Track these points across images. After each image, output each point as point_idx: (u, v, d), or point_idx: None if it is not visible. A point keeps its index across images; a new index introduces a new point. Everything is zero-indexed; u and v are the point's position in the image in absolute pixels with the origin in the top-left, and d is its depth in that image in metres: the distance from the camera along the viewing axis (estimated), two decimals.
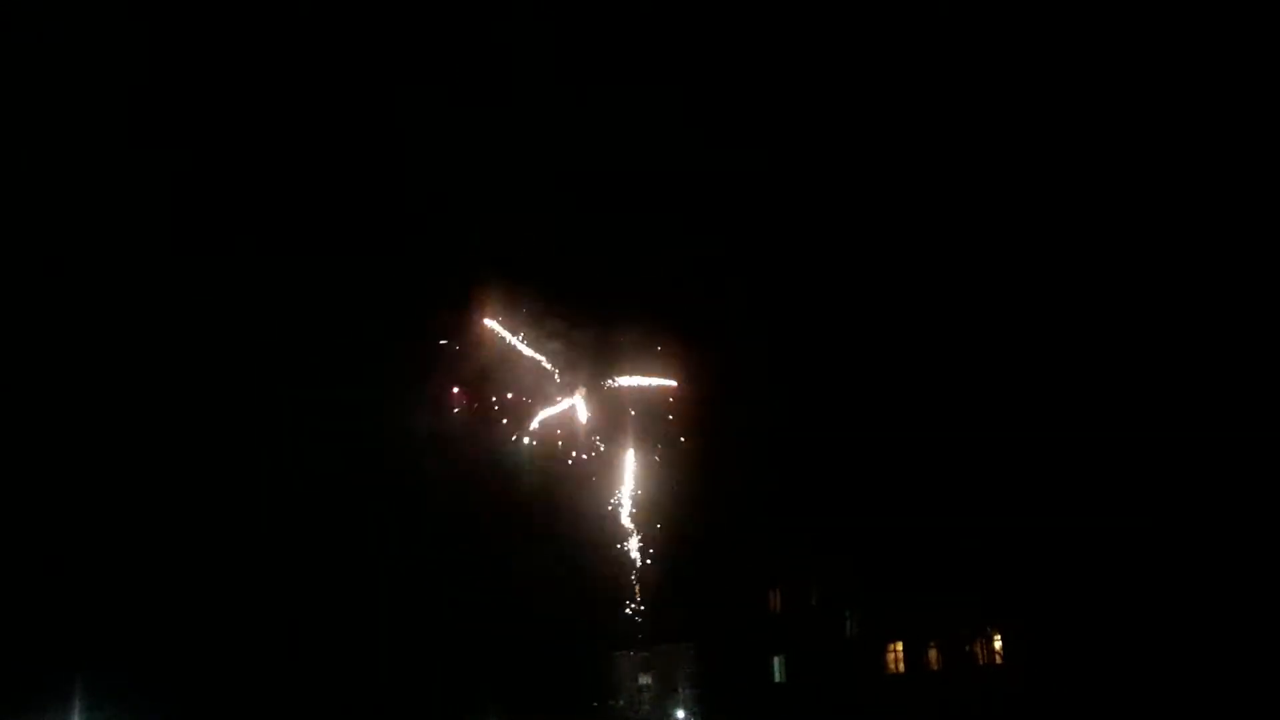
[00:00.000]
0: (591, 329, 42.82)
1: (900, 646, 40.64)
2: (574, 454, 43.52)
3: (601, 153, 42.19)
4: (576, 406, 43.39)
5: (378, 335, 45.03)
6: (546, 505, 42.96)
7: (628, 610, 43.85)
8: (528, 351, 42.88)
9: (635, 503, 44.00)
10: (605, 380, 43.07)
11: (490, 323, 42.27)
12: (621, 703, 46.98)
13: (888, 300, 40.35)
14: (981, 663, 38.56)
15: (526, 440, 43.13)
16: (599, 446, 43.79)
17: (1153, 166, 33.79)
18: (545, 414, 43.38)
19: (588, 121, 41.99)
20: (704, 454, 43.50)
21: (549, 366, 43.16)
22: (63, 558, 42.35)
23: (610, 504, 43.72)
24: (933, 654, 39.84)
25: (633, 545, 43.32)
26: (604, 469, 44.24)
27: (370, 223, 45.68)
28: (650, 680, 47.34)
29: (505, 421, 43.31)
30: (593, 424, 43.70)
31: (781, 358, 42.54)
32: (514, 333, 42.53)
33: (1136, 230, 34.44)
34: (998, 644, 38.21)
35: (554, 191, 42.57)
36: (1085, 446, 34.77)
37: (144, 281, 44.51)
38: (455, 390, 43.23)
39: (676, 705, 45.42)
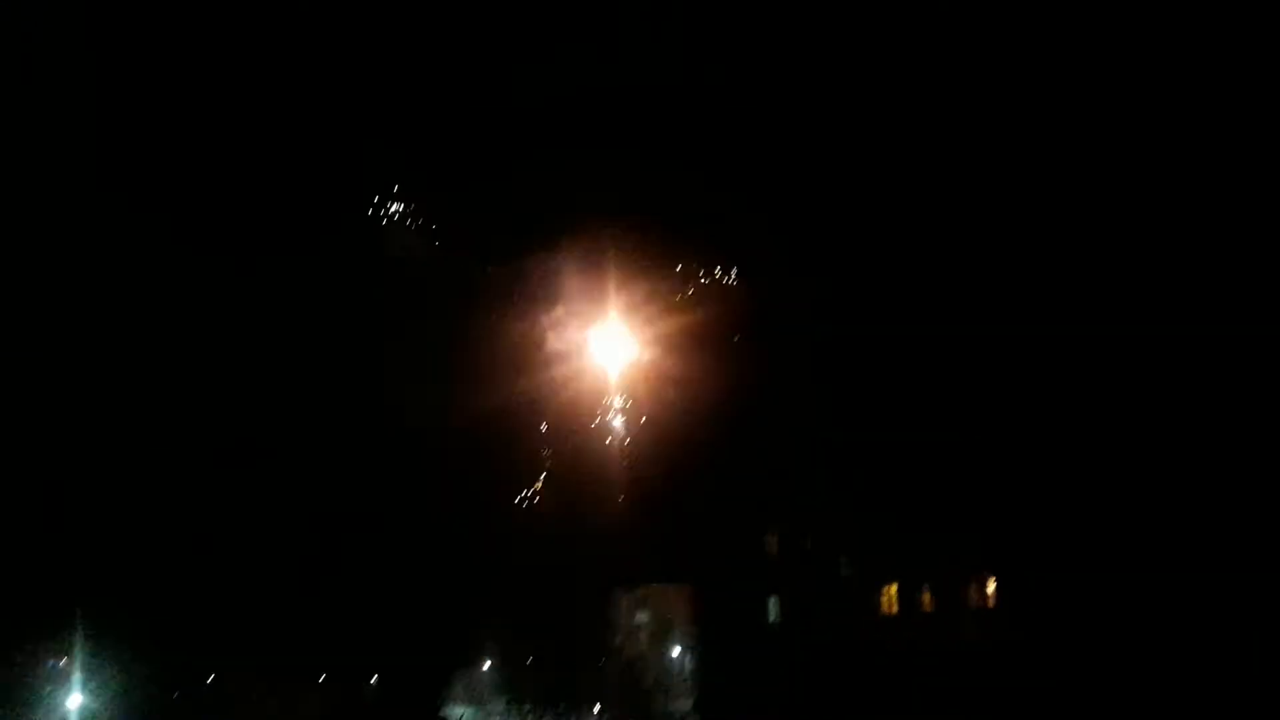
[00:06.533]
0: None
1: (894, 589, 40.42)
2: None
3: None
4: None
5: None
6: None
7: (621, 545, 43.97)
8: None
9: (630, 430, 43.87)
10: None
11: None
12: (618, 640, 47.30)
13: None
14: (974, 606, 38.22)
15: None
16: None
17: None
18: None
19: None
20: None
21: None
22: (63, 484, 43.04)
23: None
24: (926, 596, 39.55)
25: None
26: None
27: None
28: (646, 618, 47.72)
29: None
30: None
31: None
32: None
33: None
34: (990, 587, 37.79)
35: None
36: (1088, 393, 33.86)
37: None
38: None
39: (672, 642, 45.71)
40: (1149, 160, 32.13)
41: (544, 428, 44.57)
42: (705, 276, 43.92)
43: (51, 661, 41.14)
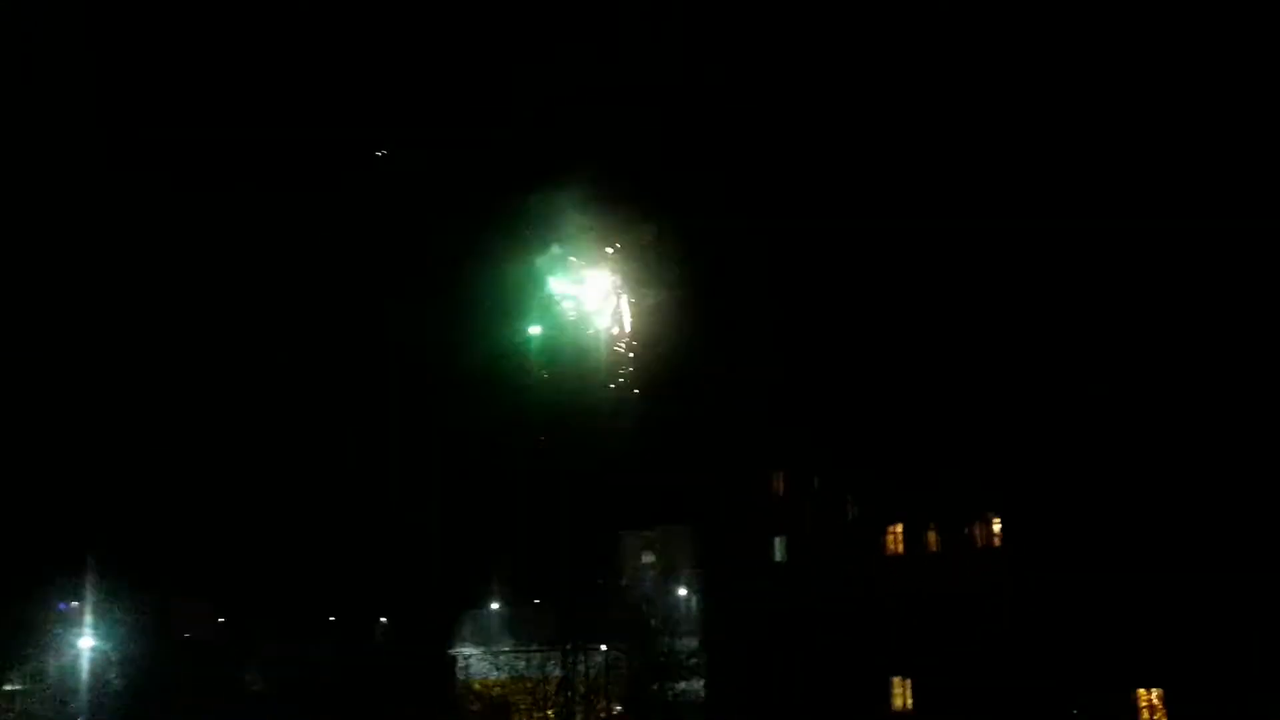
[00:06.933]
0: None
1: (900, 528, 40.33)
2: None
3: None
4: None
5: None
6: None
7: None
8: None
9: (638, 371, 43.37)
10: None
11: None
12: (625, 580, 47.38)
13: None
14: (980, 545, 38.12)
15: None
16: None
17: None
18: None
19: None
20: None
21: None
22: (72, 435, 43.37)
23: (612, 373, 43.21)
24: (931, 536, 39.44)
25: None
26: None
27: None
28: (653, 558, 47.78)
29: None
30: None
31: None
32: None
33: None
34: (996, 527, 37.66)
35: None
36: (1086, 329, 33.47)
37: None
38: None
39: (678, 583, 45.77)
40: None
41: (544, 372, 44.19)
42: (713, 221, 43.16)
43: (62, 604, 41.59)
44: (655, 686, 42.66)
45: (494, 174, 43.53)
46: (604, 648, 43.85)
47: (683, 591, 46.07)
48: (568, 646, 42.90)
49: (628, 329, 45.01)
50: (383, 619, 51.19)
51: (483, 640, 48.74)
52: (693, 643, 44.07)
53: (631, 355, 44.91)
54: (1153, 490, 31.14)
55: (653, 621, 43.91)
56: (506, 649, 45.27)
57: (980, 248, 35.99)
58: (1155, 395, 31.15)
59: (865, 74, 37.98)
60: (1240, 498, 30.15)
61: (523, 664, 43.80)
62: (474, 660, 48.22)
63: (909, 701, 37.93)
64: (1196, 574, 30.18)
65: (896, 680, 38.20)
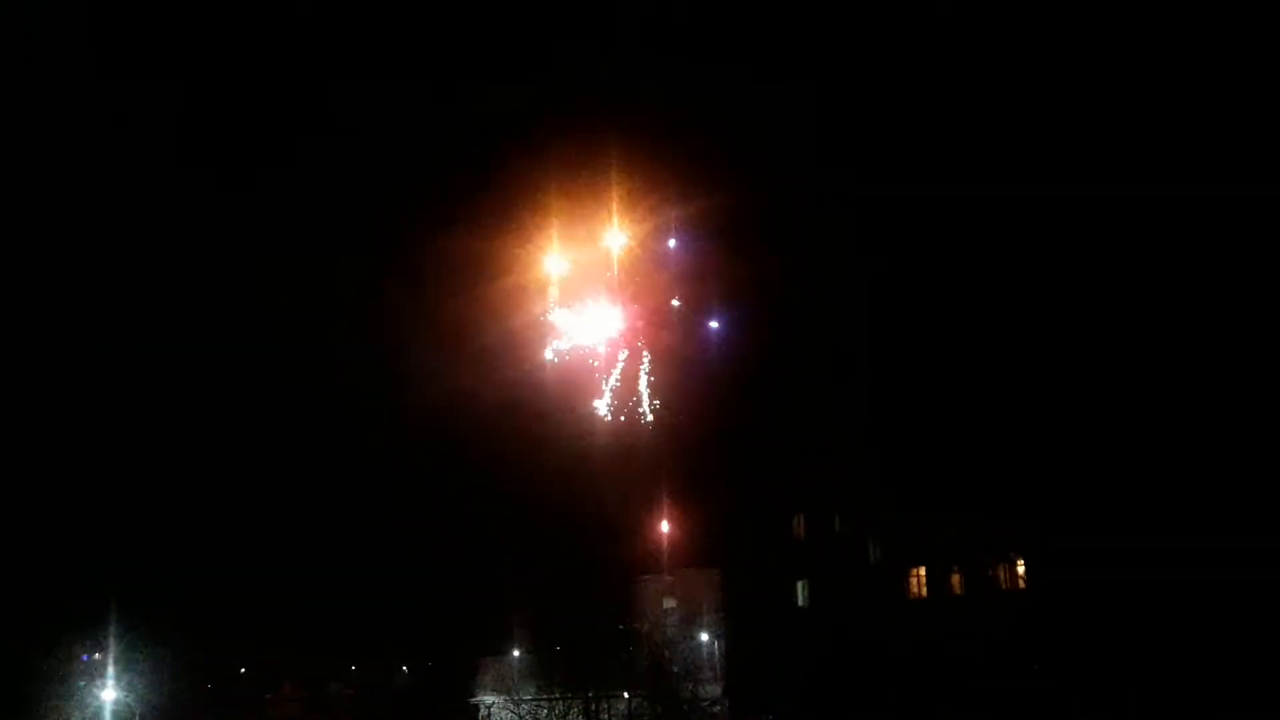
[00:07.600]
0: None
1: (923, 571, 40.01)
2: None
3: None
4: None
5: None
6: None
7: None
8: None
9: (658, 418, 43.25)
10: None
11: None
12: (646, 626, 46.99)
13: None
14: (1005, 588, 37.72)
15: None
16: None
17: None
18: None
19: None
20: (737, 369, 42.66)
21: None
22: (97, 485, 43.69)
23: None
24: (955, 579, 39.09)
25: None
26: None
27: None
28: (674, 604, 47.49)
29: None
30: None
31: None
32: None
33: None
34: (1020, 569, 37.28)
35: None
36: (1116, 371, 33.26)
37: None
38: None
39: (700, 628, 45.43)
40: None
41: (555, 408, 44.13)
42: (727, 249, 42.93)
43: (85, 655, 41.63)
44: None
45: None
46: (626, 695, 43.48)
47: (704, 637, 45.68)
48: (590, 694, 42.55)
49: (640, 372, 45.03)
50: (404, 667, 50.99)
51: (504, 688, 48.37)
52: (716, 689, 43.65)
53: (645, 401, 44.88)
54: (1180, 525, 30.75)
55: (675, 668, 43.55)
56: (528, 697, 44.87)
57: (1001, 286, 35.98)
58: (1182, 427, 30.82)
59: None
60: (1271, 533, 29.70)
61: (545, 712, 43.42)
62: (495, 708, 47.87)
63: None
64: (1226, 609, 29.72)
65: None
